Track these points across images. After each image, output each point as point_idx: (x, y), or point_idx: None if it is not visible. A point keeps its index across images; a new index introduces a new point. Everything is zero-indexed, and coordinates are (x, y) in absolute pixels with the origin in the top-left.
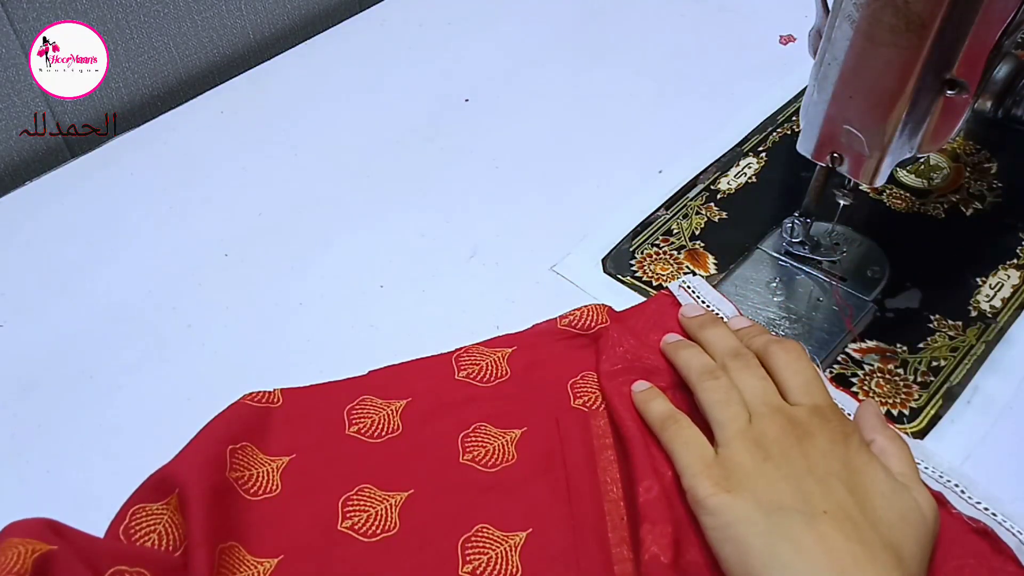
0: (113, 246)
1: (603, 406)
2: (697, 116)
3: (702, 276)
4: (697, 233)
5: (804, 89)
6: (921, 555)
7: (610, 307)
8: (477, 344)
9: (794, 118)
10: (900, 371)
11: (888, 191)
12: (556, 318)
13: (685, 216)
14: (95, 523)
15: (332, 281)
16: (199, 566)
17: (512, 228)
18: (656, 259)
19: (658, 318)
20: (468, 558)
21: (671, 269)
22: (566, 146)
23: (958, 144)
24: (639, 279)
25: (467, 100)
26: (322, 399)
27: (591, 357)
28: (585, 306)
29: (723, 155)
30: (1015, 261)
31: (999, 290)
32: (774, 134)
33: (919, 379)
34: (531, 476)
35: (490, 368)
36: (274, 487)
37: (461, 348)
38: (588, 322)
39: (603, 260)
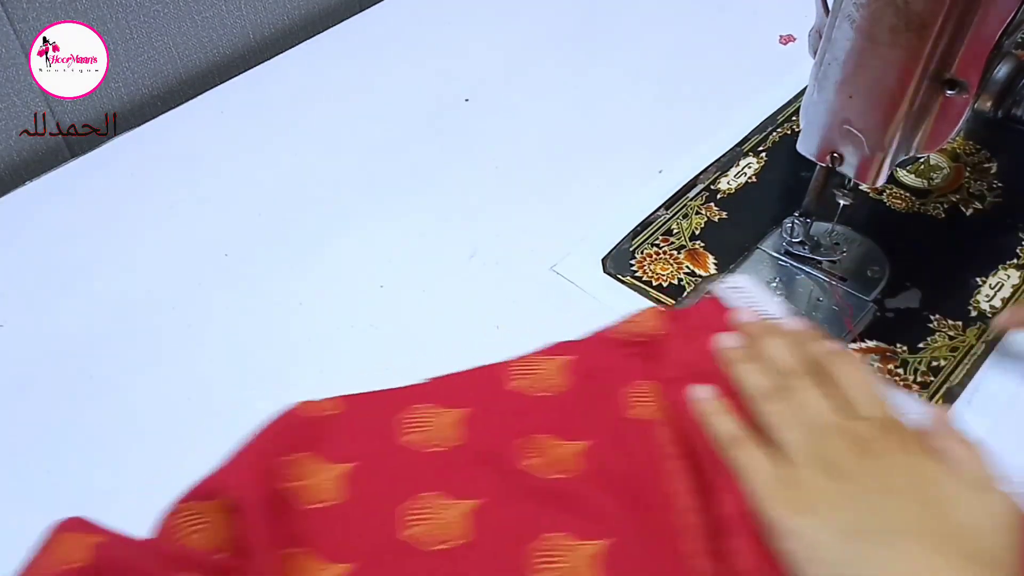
0: (113, 246)
1: (664, 415)
2: (697, 116)
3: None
4: (697, 233)
5: (804, 89)
6: (1011, 554)
7: (661, 309)
8: (533, 354)
9: (794, 118)
10: (900, 371)
11: (888, 191)
12: (610, 326)
13: (685, 216)
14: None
15: (332, 281)
16: (264, 571)
17: (512, 228)
18: (656, 259)
19: (708, 323)
20: (538, 567)
21: (671, 269)
22: (566, 146)
23: (958, 144)
24: (639, 279)
25: (467, 100)
26: (378, 406)
27: (647, 365)
28: (637, 312)
29: (723, 155)
30: (1015, 261)
31: (999, 290)
32: (774, 134)
33: (919, 379)
34: (594, 487)
35: (546, 378)
36: (332, 496)
37: (517, 358)
38: (641, 329)
39: (603, 260)
